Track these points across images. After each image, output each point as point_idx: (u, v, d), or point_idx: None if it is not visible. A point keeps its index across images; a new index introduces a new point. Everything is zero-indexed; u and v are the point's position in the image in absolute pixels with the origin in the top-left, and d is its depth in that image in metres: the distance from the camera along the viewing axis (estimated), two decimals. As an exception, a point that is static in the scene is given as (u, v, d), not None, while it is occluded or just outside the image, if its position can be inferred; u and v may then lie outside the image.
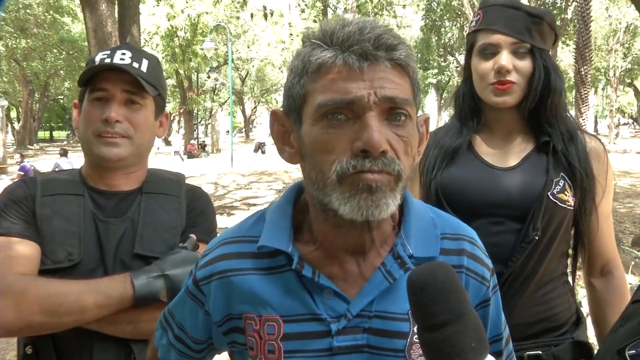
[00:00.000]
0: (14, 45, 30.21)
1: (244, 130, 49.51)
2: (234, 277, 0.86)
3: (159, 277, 1.22)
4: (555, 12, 20.86)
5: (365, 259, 0.85)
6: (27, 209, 1.28)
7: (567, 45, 22.17)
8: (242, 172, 17.54)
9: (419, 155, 0.86)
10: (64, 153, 14.03)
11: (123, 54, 1.31)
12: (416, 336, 0.82)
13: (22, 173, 12.94)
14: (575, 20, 11.77)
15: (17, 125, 38.71)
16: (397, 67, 0.77)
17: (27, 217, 1.27)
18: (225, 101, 32.42)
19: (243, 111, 48.01)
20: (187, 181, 1.48)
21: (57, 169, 12.71)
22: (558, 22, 20.46)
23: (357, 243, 0.83)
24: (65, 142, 21.03)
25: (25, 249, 1.23)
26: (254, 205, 10.91)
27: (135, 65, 1.31)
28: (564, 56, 27.60)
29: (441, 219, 0.91)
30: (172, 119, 35.80)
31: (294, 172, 15.23)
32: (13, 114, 44.09)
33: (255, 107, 49.31)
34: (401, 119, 0.78)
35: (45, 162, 15.85)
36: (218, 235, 0.96)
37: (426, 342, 0.63)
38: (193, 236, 1.32)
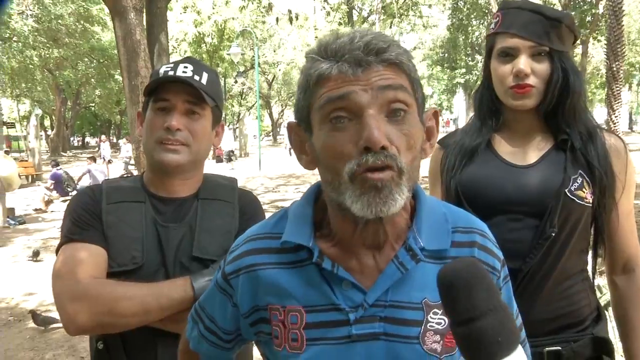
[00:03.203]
0: (47, 55, 30.94)
1: (271, 133, 49.78)
2: (260, 271, 0.93)
3: None
4: (585, 7, 20.47)
5: (380, 252, 0.90)
6: (95, 216, 1.37)
7: (599, 41, 21.72)
8: (270, 175, 17.68)
9: (431, 148, 0.91)
10: (93, 159, 14.34)
11: (185, 67, 1.39)
12: (430, 324, 0.87)
13: (54, 181, 13.26)
14: (607, 15, 11.53)
15: (50, 133, 39.64)
16: (392, 66, 0.82)
17: (95, 223, 1.36)
18: (253, 105, 32.67)
19: (270, 115, 48.31)
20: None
21: (87, 173, 13.01)
22: (589, 18, 20.12)
23: (372, 238, 0.89)
24: (97, 149, 21.50)
25: (95, 254, 1.33)
26: (282, 207, 10.99)
27: (196, 77, 1.39)
28: (596, 52, 27.07)
29: (453, 213, 0.96)
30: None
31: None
32: (47, 122, 45.20)
33: (283, 111, 49.55)
34: (400, 114, 0.82)
35: (77, 168, 16.23)
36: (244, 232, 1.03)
37: (455, 335, 0.67)
38: None
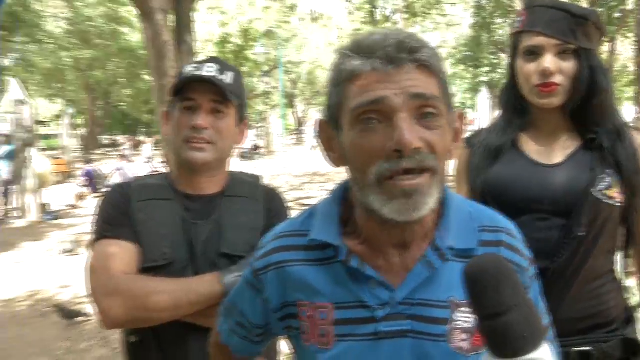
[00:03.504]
0: (79, 56, 31.51)
1: (296, 132, 49.88)
2: (289, 267, 0.93)
3: None
4: (613, 3, 20.04)
5: (408, 251, 0.90)
6: (126, 213, 1.40)
7: (627, 37, 21.24)
8: (294, 174, 17.72)
9: (456, 149, 0.91)
10: (124, 157, 14.57)
11: (210, 66, 1.41)
12: (457, 322, 0.87)
13: (86, 178, 13.49)
14: (636, 12, 11.27)
15: (82, 132, 40.29)
16: (422, 68, 0.81)
17: (126, 220, 1.39)
18: (277, 104, 32.80)
19: (295, 114, 48.39)
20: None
21: (118, 170, 13.22)
22: (617, 14, 19.69)
23: (399, 238, 0.89)
24: (126, 147, 21.86)
25: (127, 250, 1.36)
26: (307, 205, 11.02)
27: (221, 77, 1.40)
28: (624, 49, 26.48)
29: (479, 212, 0.96)
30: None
31: (345, 174, 15.25)
32: (79, 121, 45.94)
33: (307, 110, 49.61)
34: (432, 117, 0.81)
35: (108, 165, 16.51)
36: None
37: (481, 330, 0.67)
38: None
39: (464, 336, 0.87)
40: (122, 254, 1.35)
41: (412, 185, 0.79)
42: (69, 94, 37.95)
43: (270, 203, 1.51)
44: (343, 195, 0.96)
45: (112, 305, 1.28)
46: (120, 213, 1.40)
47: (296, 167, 19.67)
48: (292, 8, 22.19)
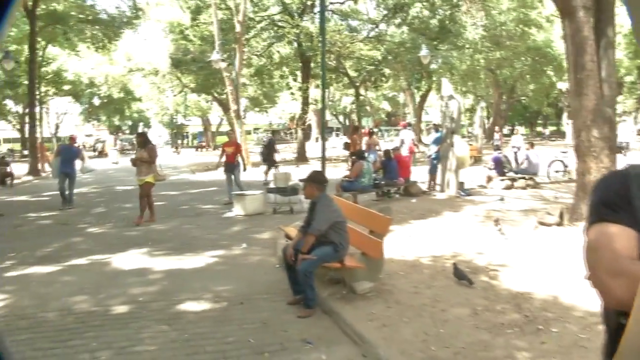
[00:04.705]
0: (490, 57, 32.33)
1: None
2: None
3: None
4: None
5: None
6: (625, 198, 1.33)
7: None
8: None
9: None
10: (530, 146, 14.17)
11: None
12: None
13: (495, 163, 13.62)
14: None
15: (487, 122, 41.38)
16: None
17: (625, 205, 1.31)
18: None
19: None
20: None
21: (527, 159, 12.90)
22: None
23: None
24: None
25: (628, 235, 1.27)
26: None
27: None
28: None
29: None
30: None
31: None
32: (484, 114, 47.25)
33: None
34: None
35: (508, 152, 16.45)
36: None
37: None
38: None
39: None
40: (624, 238, 1.27)
41: None
42: (480, 91, 39.44)
43: None
44: None
45: (615, 285, 1.22)
46: (619, 198, 1.32)
47: None
48: None
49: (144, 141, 9.97)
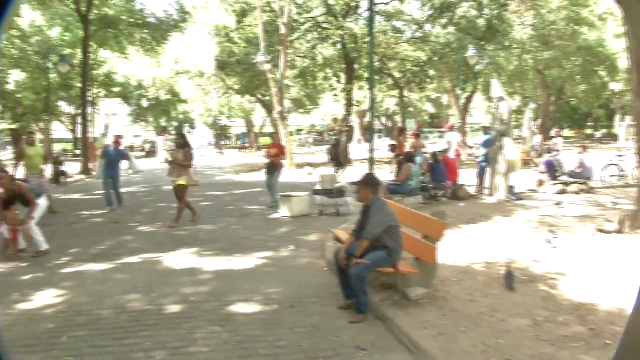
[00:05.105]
0: (539, 57, 31.34)
1: None
2: None
3: None
4: None
5: None
6: None
7: None
8: None
9: None
10: (584, 148, 13.60)
11: None
12: None
13: (546, 166, 13.16)
14: None
15: (536, 124, 40.13)
16: None
17: None
18: None
19: None
20: None
21: (581, 163, 12.42)
22: None
23: None
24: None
25: None
26: None
27: None
28: None
29: None
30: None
31: None
32: (532, 115, 45.79)
33: None
34: None
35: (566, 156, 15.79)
36: None
37: None
38: None
39: None
40: None
41: None
42: (528, 92, 38.24)
43: None
44: None
45: None
46: None
47: None
48: None
49: (183, 143, 10.10)
